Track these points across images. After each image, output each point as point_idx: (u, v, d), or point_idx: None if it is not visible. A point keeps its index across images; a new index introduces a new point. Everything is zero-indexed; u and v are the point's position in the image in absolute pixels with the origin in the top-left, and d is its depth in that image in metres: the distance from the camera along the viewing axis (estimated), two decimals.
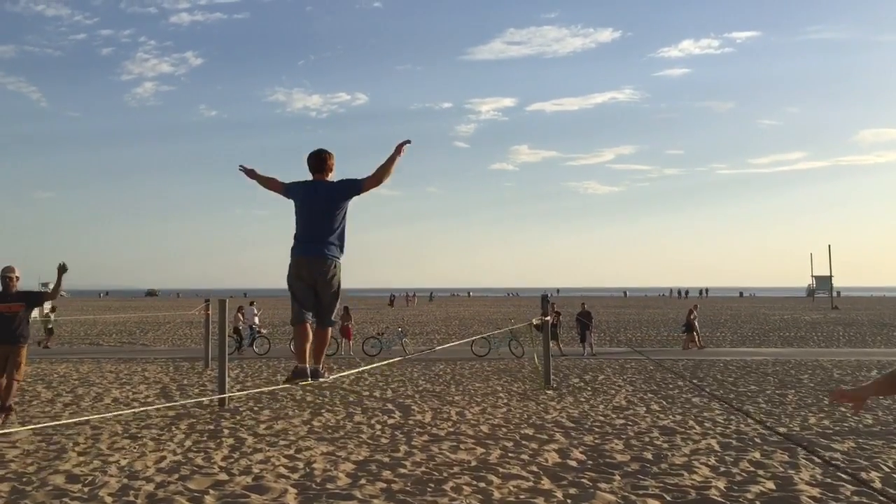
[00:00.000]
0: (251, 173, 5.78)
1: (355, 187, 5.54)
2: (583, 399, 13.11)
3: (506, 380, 16.17)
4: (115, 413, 10.95)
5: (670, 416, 11.11)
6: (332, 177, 5.72)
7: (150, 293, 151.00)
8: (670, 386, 15.08)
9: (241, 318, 24.43)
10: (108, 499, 6.27)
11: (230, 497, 6.38)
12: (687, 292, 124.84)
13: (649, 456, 8.21)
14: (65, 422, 5.91)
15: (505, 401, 12.84)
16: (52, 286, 10.77)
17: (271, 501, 6.27)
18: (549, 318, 15.32)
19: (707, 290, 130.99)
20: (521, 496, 6.51)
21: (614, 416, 11.19)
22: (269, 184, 5.74)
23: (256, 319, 25.58)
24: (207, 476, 7.11)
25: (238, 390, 14.04)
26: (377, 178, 5.52)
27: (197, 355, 21.17)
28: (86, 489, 6.59)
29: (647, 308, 73.23)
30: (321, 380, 5.48)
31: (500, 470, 7.48)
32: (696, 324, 26.84)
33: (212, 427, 10.03)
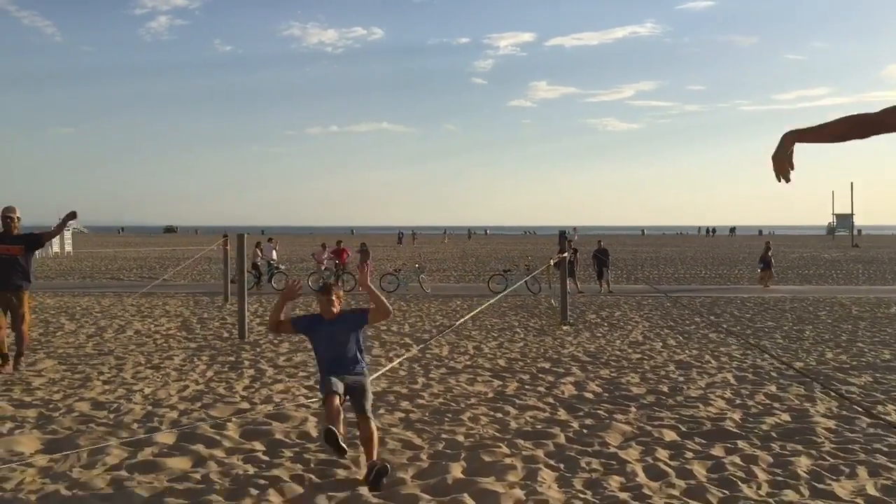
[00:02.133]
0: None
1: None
2: (599, 334, 13.17)
3: (522, 316, 16.26)
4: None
5: (686, 351, 11.15)
6: None
7: (169, 229, 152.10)
8: (687, 322, 15.11)
9: (260, 253, 24.62)
10: (134, 425, 6.41)
11: (252, 424, 6.50)
12: (714, 230, 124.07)
13: (665, 389, 8.26)
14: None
15: (522, 336, 12.93)
16: (72, 223, 10.69)
17: (292, 429, 6.39)
18: (566, 255, 15.31)
19: (734, 228, 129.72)
20: (538, 426, 6.60)
21: (630, 350, 11.24)
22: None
23: (274, 255, 25.79)
24: (229, 404, 7.24)
25: (257, 325, 14.21)
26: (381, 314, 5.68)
27: (217, 290, 21.39)
28: (111, 415, 6.74)
29: (665, 246, 73.00)
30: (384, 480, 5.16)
31: (517, 401, 7.56)
32: (773, 260, 26.67)
33: (232, 359, 10.18)
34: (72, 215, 9.41)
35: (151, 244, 74.54)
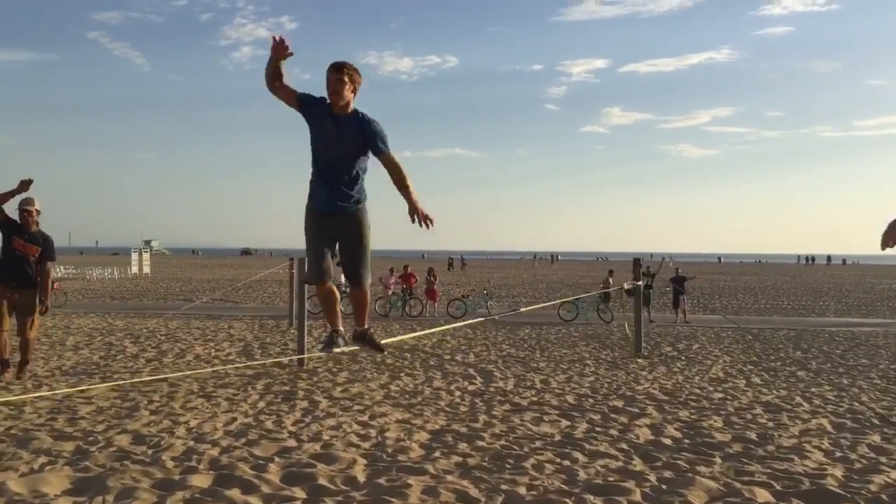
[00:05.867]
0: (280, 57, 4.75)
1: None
2: (676, 369, 12.31)
3: (594, 346, 15.47)
4: (195, 371, 10.84)
5: (774, 391, 10.23)
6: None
7: (245, 252, 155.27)
8: (772, 357, 14.08)
9: None
10: (170, 463, 5.98)
11: (295, 466, 5.99)
12: (813, 259, 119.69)
13: (753, 436, 7.43)
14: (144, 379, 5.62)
15: (592, 369, 12.18)
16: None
17: (338, 472, 5.86)
18: (640, 282, 14.50)
19: (830, 257, 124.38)
20: (610, 478, 5.90)
21: (711, 388, 10.38)
22: (281, 84, 4.92)
23: (342, 279, 25.57)
24: (275, 441, 6.76)
25: (319, 350, 13.82)
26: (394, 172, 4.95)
27: (283, 314, 21.22)
28: (149, 451, 6.33)
29: (744, 275, 70.72)
30: (378, 342, 5.32)
31: (587, 446, 6.87)
32: None
33: (287, 388, 9.76)
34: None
35: (226, 266, 75.95)
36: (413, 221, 4.77)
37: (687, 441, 7.16)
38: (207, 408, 8.31)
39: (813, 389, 10.44)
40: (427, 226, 4.75)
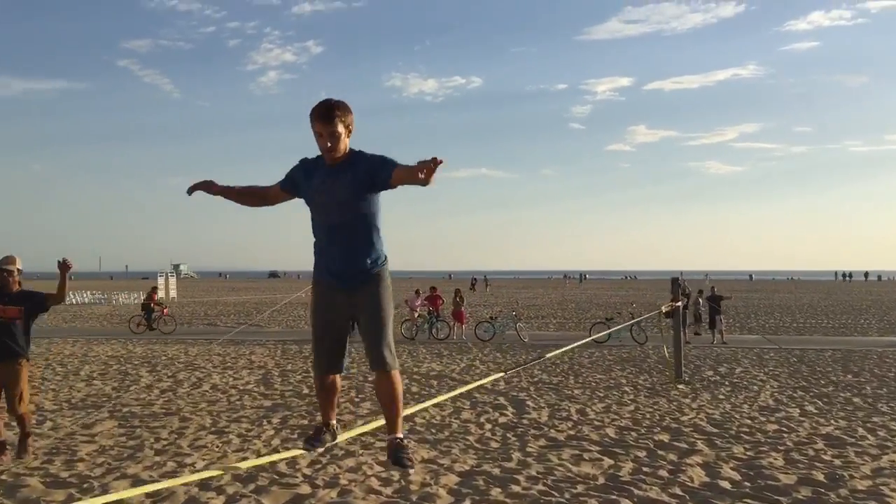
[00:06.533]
0: (209, 187, 4.03)
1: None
2: (721, 396, 11.49)
3: (630, 371, 14.67)
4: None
5: (832, 422, 9.39)
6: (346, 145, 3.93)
7: (273, 274, 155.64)
8: (822, 382, 13.19)
9: None
10: None
11: None
12: (851, 275, 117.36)
13: (821, 477, 6.63)
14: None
15: (631, 397, 11.40)
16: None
17: None
18: (679, 303, 13.71)
19: (867, 273, 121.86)
20: None
21: (763, 419, 9.57)
22: (250, 198, 4.16)
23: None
24: (287, 488, 6.10)
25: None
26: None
27: (308, 338, 20.64)
28: (148, 501, 5.70)
29: (777, 292, 69.21)
30: (407, 461, 4.06)
31: (635, 491, 6.12)
32: None
33: (305, 422, 9.11)
34: (64, 266, 7.17)
35: (253, 289, 75.80)
36: (421, 172, 3.53)
37: (748, 484, 6.38)
38: (217, 447, 7.68)
39: (875, 419, 9.58)
40: (436, 162, 3.51)
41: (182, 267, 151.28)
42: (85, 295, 50.81)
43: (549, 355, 7.77)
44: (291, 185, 4.05)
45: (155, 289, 28.24)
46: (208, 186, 4.01)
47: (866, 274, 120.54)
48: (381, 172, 3.80)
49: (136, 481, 6.24)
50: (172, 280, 57.79)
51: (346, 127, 3.86)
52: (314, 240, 4.04)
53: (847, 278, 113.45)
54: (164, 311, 25.96)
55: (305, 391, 11.63)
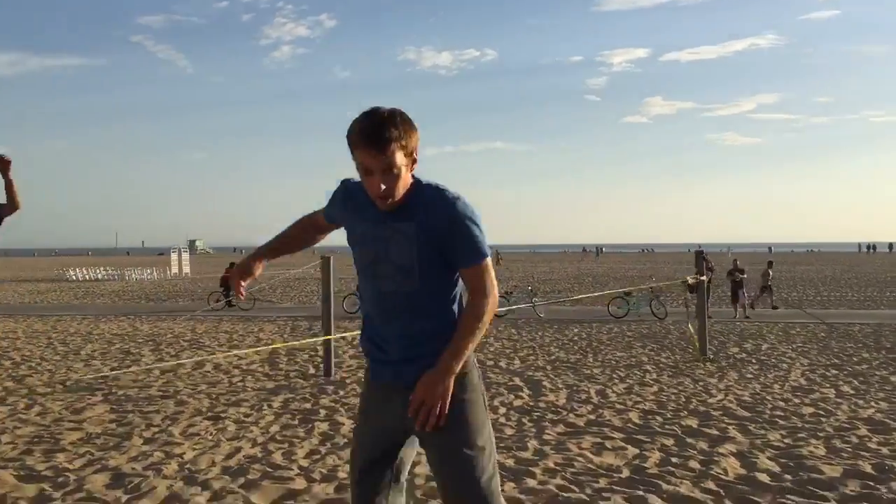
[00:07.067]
0: (252, 273, 3.00)
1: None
2: (749, 375, 10.86)
3: (651, 348, 14.05)
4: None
5: (872, 404, 8.75)
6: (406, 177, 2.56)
7: None
8: (854, 359, 12.52)
9: None
10: None
11: None
12: (875, 247, 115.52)
13: (868, 468, 6.00)
14: None
15: (654, 376, 10.78)
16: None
17: None
18: (704, 276, 13.04)
19: (892, 244, 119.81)
20: None
21: (797, 401, 8.93)
22: (303, 240, 3.10)
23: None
24: (280, 482, 5.55)
25: (349, 357, 12.67)
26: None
27: (318, 314, 20.17)
28: (124, 497, 5.16)
29: (798, 265, 68.24)
30: None
31: (664, 486, 5.52)
32: None
33: (308, 405, 8.58)
34: (3, 163, 6.22)
35: (270, 265, 75.50)
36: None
37: (789, 476, 5.76)
38: (211, 434, 7.15)
39: None
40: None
41: (198, 243, 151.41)
42: (98, 271, 50.64)
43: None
44: (337, 219, 2.89)
45: (233, 264, 27.89)
46: (251, 272, 2.99)
47: (891, 245, 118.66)
48: (456, 260, 2.59)
49: (116, 475, 5.70)
50: (186, 256, 57.56)
51: (409, 155, 2.51)
52: (360, 300, 2.84)
53: (871, 250, 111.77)
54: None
55: (311, 371, 11.12)
